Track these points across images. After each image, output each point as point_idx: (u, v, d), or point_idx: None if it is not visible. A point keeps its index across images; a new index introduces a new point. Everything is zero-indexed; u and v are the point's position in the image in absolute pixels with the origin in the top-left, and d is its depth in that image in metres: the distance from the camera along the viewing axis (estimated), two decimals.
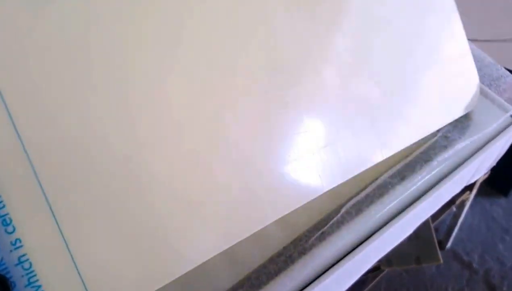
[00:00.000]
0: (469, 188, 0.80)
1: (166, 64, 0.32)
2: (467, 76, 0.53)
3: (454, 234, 1.06)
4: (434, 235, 0.86)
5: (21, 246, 0.28)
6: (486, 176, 0.73)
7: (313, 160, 0.40)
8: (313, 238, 0.44)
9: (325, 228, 0.45)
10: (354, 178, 0.48)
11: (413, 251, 0.85)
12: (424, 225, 0.71)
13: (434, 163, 0.48)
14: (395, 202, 0.46)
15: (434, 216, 0.84)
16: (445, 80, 0.51)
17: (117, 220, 0.31)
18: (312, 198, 0.40)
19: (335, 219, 0.45)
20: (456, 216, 0.99)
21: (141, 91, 0.31)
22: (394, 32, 0.46)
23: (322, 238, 0.44)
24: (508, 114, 0.52)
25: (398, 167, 0.49)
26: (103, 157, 0.30)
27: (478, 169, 0.53)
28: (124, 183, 0.31)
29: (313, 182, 0.40)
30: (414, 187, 0.47)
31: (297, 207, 0.39)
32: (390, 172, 0.48)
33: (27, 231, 0.28)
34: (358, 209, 0.46)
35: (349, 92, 0.42)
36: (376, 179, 0.48)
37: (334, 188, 0.47)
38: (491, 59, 0.55)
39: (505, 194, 1.16)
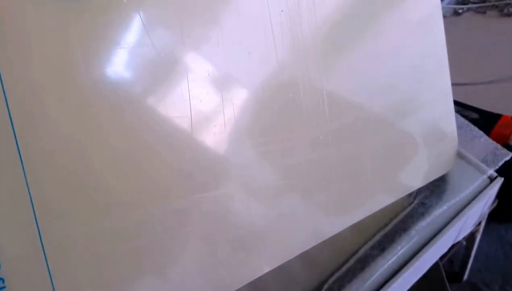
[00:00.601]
0: None
1: None
2: (448, 136, 0.54)
3: (469, 265, 1.04)
4: (444, 274, 0.85)
5: (3, 288, 0.25)
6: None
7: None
8: None
9: None
10: (334, 250, 0.50)
11: None
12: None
13: (413, 231, 0.49)
14: (376, 274, 0.47)
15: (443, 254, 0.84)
16: (426, 140, 0.52)
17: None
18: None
19: None
20: (469, 248, 0.97)
21: None
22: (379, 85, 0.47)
23: None
24: (485, 176, 0.52)
25: (377, 237, 0.50)
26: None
27: (462, 229, 0.53)
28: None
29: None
30: (395, 258, 0.48)
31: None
32: (370, 243, 0.49)
33: (15, 271, 0.26)
34: (340, 285, 0.47)
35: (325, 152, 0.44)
36: (357, 251, 0.49)
37: (315, 261, 0.49)
38: (463, 120, 0.56)
39: None
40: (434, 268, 0.78)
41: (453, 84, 0.71)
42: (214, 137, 0.35)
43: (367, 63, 0.46)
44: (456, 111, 0.69)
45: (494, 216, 0.95)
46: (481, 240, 0.93)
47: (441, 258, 0.80)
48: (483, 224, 0.81)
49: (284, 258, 0.42)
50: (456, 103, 0.69)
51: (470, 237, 0.87)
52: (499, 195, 0.61)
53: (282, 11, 0.37)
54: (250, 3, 0.36)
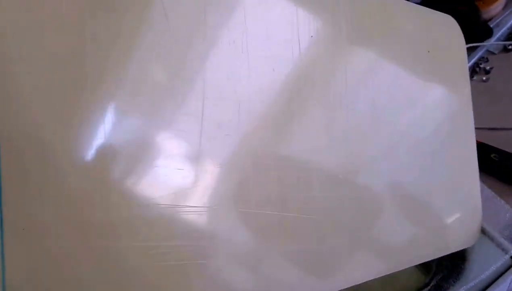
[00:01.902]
0: None
1: None
2: (471, 208, 0.51)
3: None
4: None
5: None
6: None
7: None
8: None
9: None
10: None
11: None
12: None
13: None
14: None
15: None
16: (447, 209, 0.50)
17: None
18: None
19: None
20: None
21: None
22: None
23: None
24: (508, 255, 0.49)
25: None
26: None
27: None
28: None
29: None
30: None
31: None
32: None
33: None
34: None
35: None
36: None
37: None
38: (490, 192, 0.52)
39: None
40: None
41: (492, 129, 0.66)
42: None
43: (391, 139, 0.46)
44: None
45: None
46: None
47: None
48: None
49: None
50: (495, 150, 0.65)
51: None
52: None
53: None
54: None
